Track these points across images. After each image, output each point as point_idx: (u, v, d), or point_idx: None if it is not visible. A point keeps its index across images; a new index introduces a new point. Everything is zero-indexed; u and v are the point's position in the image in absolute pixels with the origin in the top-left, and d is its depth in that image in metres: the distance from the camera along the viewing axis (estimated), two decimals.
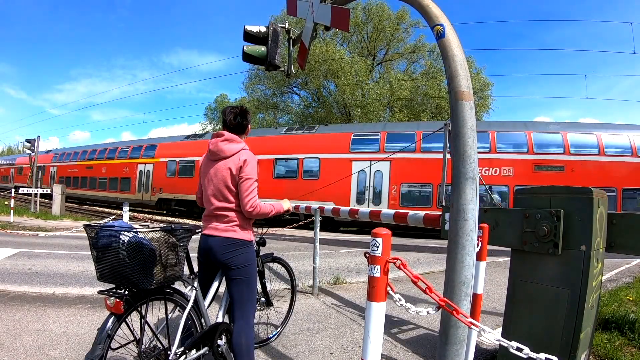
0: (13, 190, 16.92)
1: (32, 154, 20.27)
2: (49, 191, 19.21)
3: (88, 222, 2.58)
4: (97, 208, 26.00)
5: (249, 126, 3.01)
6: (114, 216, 14.54)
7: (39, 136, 20.33)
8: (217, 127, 37.49)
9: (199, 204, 3.03)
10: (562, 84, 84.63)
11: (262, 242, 3.56)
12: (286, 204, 3.13)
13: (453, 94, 2.63)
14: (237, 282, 2.79)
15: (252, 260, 2.86)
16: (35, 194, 18.56)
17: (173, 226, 2.45)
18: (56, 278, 6.22)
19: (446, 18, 2.77)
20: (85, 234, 2.34)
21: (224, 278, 2.89)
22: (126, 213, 8.44)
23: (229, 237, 2.74)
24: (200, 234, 2.85)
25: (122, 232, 2.20)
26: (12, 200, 15.64)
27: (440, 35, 2.72)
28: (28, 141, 20.47)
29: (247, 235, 2.82)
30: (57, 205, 18.09)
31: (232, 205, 2.76)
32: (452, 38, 2.70)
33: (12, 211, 15.14)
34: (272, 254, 3.85)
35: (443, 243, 3.03)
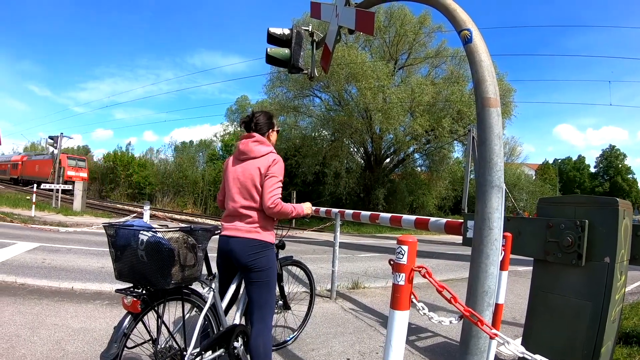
0: (35, 185, 17.25)
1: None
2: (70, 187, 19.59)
3: (107, 221, 2.59)
4: (118, 205, 26.50)
5: (270, 131, 3.01)
6: (134, 214, 14.69)
7: (61, 133, 20.73)
8: (238, 129, 37.75)
9: (219, 207, 3.02)
10: (585, 90, 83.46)
11: (281, 245, 3.53)
12: (307, 208, 3.09)
13: (480, 100, 2.58)
14: (258, 285, 2.77)
15: (273, 263, 2.85)
16: (57, 190, 18.89)
17: (192, 227, 2.44)
18: (75, 273, 6.31)
19: (473, 23, 2.72)
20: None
21: (242, 280, 2.87)
22: (147, 212, 8.53)
23: (252, 238, 2.72)
24: (219, 235, 2.83)
25: (141, 232, 2.19)
26: (34, 195, 15.91)
27: (467, 40, 2.67)
28: (51, 138, 20.86)
29: (269, 237, 2.80)
30: (78, 201, 18.38)
31: (257, 205, 2.74)
32: (479, 43, 2.64)
33: (33, 206, 15.39)
34: (292, 257, 3.84)
35: (463, 250, 2.98)
